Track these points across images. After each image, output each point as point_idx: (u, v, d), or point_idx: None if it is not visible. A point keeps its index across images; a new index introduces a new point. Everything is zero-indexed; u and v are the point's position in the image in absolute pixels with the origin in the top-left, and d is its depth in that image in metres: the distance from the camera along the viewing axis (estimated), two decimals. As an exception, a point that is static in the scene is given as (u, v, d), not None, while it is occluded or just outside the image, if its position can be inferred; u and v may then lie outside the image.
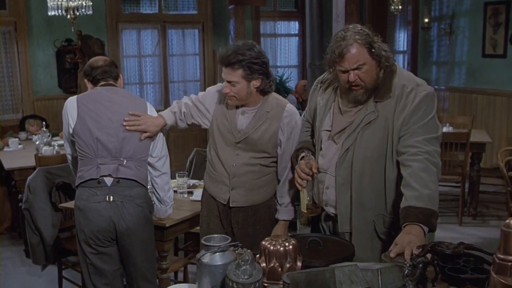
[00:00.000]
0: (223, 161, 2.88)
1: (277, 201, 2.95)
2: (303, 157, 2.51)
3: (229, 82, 2.74)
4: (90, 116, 2.95)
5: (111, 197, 2.88)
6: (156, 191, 3.13)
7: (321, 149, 2.51)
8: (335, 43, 2.30)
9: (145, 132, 2.97)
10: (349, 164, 2.37)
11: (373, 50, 2.28)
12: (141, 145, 2.97)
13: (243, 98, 2.80)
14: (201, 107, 2.98)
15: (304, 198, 2.50)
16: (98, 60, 3.16)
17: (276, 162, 2.91)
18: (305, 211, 2.52)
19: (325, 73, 2.60)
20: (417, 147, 2.23)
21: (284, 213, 2.93)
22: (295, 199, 2.89)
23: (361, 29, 2.31)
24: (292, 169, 2.72)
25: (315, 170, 2.43)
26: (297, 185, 2.50)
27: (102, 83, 3.09)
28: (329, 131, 2.46)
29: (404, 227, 2.13)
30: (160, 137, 3.07)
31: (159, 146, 3.06)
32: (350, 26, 2.36)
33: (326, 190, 2.48)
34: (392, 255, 1.99)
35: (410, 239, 2.03)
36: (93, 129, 2.92)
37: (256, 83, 2.77)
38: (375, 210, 2.38)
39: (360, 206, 2.38)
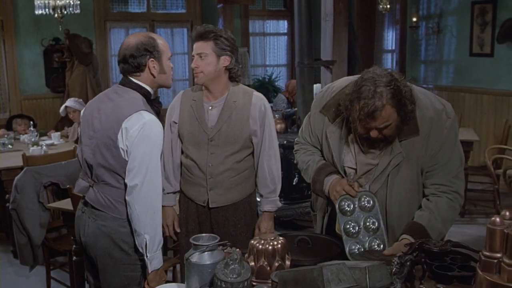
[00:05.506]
0: (199, 163, 2.84)
1: (258, 192, 2.96)
2: (339, 178, 2.34)
3: (198, 54, 2.76)
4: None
5: None
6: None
7: None
8: (365, 99, 2.00)
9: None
10: (383, 207, 2.27)
11: (402, 108, 2.04)
12: None
13: (211, 75, 2.78)
14: (174, 125, 2.94)
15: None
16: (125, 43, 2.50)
17: (251, 155, 2.91)
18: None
19: (318, 97, 2.46)
20: (446, 185, 2.21)
21: (266, 204, 2.93)
22: (278, 189, 2.94)
23: (394, 84, 2.02)
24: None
25: (358, 191, 2.26)
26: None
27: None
28: (354, 168, 2.31)
29: (402, 238, 2.15)
30: None
31: None
32: (378, 73, 2.05)
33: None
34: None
35: None
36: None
37: (225, 61, 2.78)
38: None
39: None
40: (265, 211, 2.93)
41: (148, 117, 2.34)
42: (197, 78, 2.81)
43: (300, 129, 2.61)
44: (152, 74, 2.46)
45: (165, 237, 3.93)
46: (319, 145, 2.47)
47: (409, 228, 2.18)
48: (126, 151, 2.34)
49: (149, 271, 2.38)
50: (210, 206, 2.88)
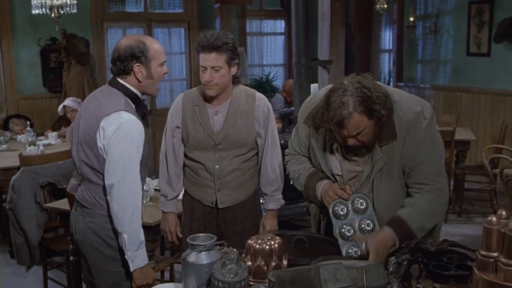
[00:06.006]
0: (206, 165, 2.84)
1: (261, 191, 2.98)
2: (330, 183, 2.37)
3: (213, 67, 2.67)
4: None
5: None
6: None
7: None
8: (333, 110, 2.06)
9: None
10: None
11: (373, 113, 2.07)
12: None
13: (224, 86, 2.75)
14: (176, 130, 2.89)
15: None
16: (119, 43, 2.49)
17: (255, 154, 2.92)
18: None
19: (303, 107, 2.49)
20: (428, 184, 2.23)
21: (270, 202, 2.96)
22: (281, 187, 2.97)
23: (360, 91, 2.05)
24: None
25: (351, 193, 2.28)
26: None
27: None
28: (340, 175, 2.35)
29: (382, 228, 2.17)
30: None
31: None
32: (346, 84, 2.09)
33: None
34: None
35: (379, 250, 2.05)
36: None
37: (234, 69, 2.75)
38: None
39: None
40: (269, 209, 2.96)
41: (126, 117, 2.35)
42: (211, 91, 2.74)
43: (290, 140, 2.62)
44: (137, 79, 2.45)
45: (162, 237, 3.94)
46: (308, 154, 2.50)
47: (389, 221, 2.21)
48: (104, 150, 2.36)
49: (131, 270, 2.39)
50: (219, 206, 2.88)
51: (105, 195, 2.40)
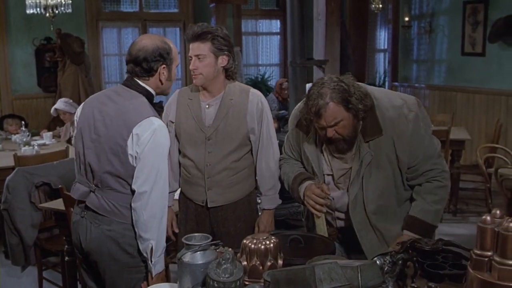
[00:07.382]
0: (197, 162, 2.82)
1: (258, 190, 2.96)
2: (311, 183, 2.45)
3: (196, 55, 2.72)
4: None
5: None
6: None
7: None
8: (312, 101, 2.23)
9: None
10: (362, 208, 2.37)
11: (350, 106, 2.21)
12: None
13: (210, 76, 2.75)
14: (171, 124, 2.90)
15: (323, 225, 2.43)
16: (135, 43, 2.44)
17: (249, 153, 2.89)
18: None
19: (293, 113, 2.59)
20: (433, 169, 2.34)
21: (265, 201, 2.93)
22: (278, 186, 2.93)
23: (337, 84, 2.22)
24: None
25: (328, 192, 2.37)
26: (315, 212, 2.41)
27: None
28: (331, 175, 2.45)
29: (404, 232, 2.32)
30: None
31: None
32: (325, 79, 2.27)
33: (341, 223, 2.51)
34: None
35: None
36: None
37: (223, 61, 2.75)
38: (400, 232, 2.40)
39: (386, 239, 2.38)
40: (265, 209, 2.93)
41: (157, 123, 2.31)
42: (196, 79, 2.77)
43: (283, 146, 2.71)
44: (161, 81, 2.42)
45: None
46: (300, 158, 2.61)
47: (405, 223, 2.35)
48: (135, 157, 2.30)
49: (153, 275, 2.37)
50: (209, 205, 2.86)
51: (128, 203, 2.34)
